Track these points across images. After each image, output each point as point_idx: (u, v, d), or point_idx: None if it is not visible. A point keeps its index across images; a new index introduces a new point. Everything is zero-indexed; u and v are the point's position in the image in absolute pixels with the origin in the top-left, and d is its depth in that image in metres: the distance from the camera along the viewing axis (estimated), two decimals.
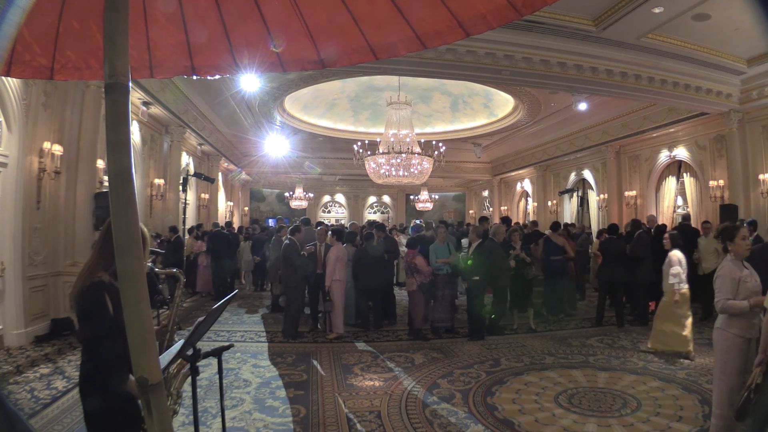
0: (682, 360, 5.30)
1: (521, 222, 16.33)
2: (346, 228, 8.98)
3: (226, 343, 2.86)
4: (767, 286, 2.92)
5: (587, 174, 14.20)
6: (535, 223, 10.56)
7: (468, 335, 6.55)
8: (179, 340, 2.18)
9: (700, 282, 6.84)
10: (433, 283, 6.74)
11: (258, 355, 5.74)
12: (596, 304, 7.55)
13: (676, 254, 5.45)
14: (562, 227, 8.46)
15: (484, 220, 8.72)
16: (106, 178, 2.07)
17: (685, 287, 5.42)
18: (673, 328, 5.43)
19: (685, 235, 7.54)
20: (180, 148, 10.68)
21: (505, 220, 9.31)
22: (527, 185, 17.62)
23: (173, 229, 8.96)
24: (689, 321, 5.41)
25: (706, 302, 6.91)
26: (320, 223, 9.54)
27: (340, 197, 22.68)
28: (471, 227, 7.85)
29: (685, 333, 5.36)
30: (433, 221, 10.45)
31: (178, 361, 2.19)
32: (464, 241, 8.96)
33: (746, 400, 2.62)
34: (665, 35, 7.14)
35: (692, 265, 7.31)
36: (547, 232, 8.08)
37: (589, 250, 9.46)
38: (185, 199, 10.39)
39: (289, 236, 6.79)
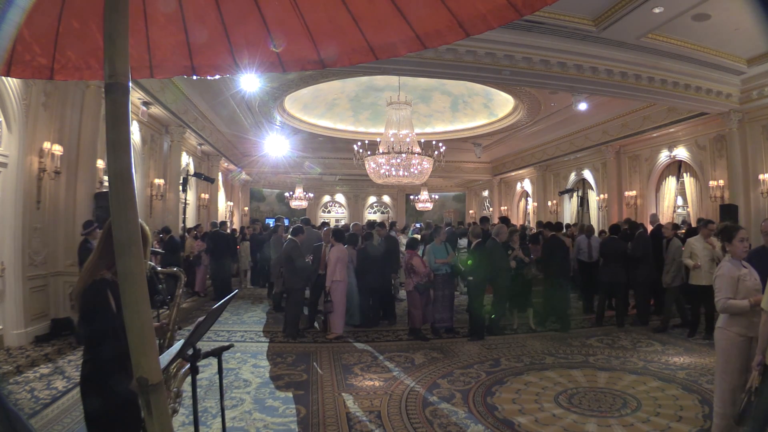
0: (682, 360, 5.33)
1: (522, 222, 16.35)
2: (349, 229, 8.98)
3: (226, 343, 2.86)
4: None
5: (587, 174, 14.19)
6: (540, 223, 10.55)
7: (468, 335, 6.55)
8: (179, 340, 2.18)
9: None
10: (431, 284, 6.75)
11: (258, 355, 5.74)
12: (596, 305, 7.56)
13: None
14: (564, 228, 8.65)
15: (485, 220, 8.72)
16: (106, 178, 2.07)
17: None
18: None
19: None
20: (180, 148, 10.66)
21: (504, 220, 9.30)
22: (527, 185, 17.62)
23: (166, 230, 8.93)
24: None
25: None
26: (310, 223, 9.52)
27: (340, 197, 22.67)
28: (471, 227, 7.86)
29: None
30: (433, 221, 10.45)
31: (178, 360, 2.19)
32: (461, 242, 8.99)
33: (747, 404, 2.60)
34: (665, 35, 7.13)
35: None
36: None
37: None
38: (185, 199, 10.39)
39: (290, 236, 6.79)
